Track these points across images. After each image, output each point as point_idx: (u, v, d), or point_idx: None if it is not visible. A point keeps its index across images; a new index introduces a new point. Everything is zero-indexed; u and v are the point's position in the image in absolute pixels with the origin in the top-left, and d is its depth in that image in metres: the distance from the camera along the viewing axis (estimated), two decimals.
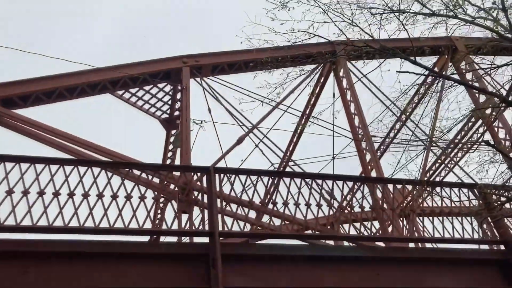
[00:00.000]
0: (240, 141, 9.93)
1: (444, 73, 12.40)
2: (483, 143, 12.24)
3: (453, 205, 7.46)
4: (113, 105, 10.41)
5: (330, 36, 8.11)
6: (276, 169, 10.74)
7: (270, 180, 7.01)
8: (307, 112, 11.32)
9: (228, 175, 6.74)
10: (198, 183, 6.85)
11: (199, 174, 6.71)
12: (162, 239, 7.64)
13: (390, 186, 7.48)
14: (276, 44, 7.15)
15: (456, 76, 11.61)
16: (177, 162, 10.30)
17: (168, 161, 11.42)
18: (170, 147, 11.49)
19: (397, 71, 6.28)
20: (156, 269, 5.89)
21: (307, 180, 7.01)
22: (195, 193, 7.01)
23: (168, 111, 11.11)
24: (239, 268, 6.12)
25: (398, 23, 6.51)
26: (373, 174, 10.22)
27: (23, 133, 8.52)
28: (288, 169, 11.17)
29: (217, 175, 6.68)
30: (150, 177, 6.72)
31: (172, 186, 8.40)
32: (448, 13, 6.45)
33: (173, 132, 11.39)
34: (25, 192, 5.89)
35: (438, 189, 7.71)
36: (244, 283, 6.06)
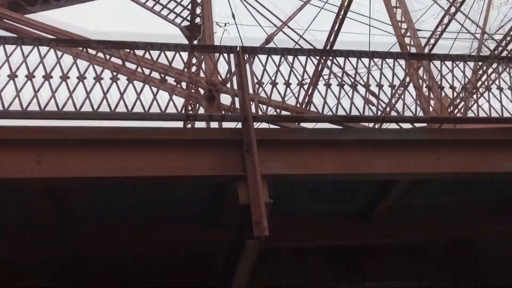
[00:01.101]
0: (269, 40, 8.97)
1: None
2: None
3: None
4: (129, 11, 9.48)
5: None
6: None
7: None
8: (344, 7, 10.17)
9: (259, 55, 5.85)
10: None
11: (225, 55, 5.82)
12: None
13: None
14: None
15: None
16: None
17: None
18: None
19: None
20: (186, 157, 5.14)
21: (352, 59, 6.04)
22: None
23: (189, 18, 10.17)
24: (277, 154, 5.30)
25: None
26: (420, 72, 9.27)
27: None
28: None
29: (246, 55, 5.80)
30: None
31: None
32: None
33: (195, 42, 10.48)
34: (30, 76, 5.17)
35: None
36: (283, 169, 5.26)
